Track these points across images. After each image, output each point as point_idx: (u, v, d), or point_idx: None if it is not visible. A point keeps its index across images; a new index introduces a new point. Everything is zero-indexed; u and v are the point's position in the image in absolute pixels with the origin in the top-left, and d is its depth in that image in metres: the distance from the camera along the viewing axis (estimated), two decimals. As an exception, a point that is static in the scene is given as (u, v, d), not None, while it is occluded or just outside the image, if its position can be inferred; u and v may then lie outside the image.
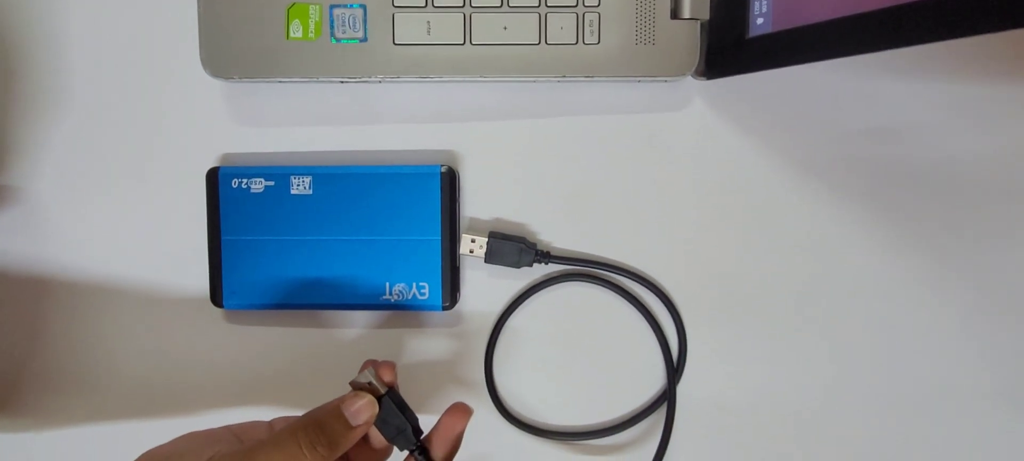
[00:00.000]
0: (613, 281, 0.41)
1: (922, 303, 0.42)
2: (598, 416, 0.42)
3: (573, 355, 0.42)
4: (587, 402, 0.42)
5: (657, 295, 0.41)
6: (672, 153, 0.41)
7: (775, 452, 0.42)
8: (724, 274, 0.42)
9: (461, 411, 0.35)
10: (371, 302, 0.40)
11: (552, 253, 0.41)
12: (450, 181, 0.40)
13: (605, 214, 0.41)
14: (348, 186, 0.40)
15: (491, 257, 0.40)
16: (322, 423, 0.32)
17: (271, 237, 0.40)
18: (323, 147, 0.41)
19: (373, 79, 0.39)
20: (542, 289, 0.41)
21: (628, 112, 0.41)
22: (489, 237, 0.40)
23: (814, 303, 0.42)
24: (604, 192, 0.41)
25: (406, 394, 0.35)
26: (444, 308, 0.40)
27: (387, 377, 0.34)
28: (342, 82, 0.40)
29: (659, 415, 0.42)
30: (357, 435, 0.32)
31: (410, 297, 0.40)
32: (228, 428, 0.35)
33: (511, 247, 0.40)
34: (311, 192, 0.40)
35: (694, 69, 0.39)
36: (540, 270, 0.41)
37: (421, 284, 0.40)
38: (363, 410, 0.33)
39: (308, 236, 0.40)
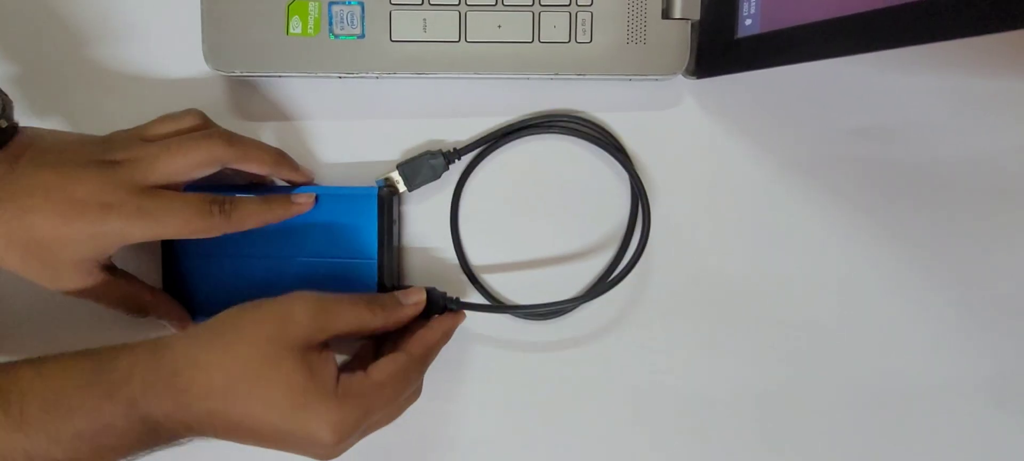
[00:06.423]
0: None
1: (911, 301, 0.42)
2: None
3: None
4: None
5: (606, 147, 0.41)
6: (662, 151, 0.42)
7: (753, 443, 0.43)
8: (712, 270, 0.42)
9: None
10: None
11: (458, 149, 0.41)
12: (388, 202, 0.40)
13: (594, 210, 0.42)
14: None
15: (410, 182, 0.41)
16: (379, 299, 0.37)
17: (218, 248, 0.39)
18: (321, 141, 0.42)
19: (370, 75, 0.40)
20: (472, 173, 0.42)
21: (619, 110, 0.42)
22: (397, 168, 0.41)
23: (801, 300, 0.42)
24: (593, 188, 0.42)
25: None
26: None
27: None
28: (340, 78, 0.41)
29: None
30: (408, 314, 0.37)
31: None
32: None
33: (421, 163, 0.40)
34: None
35: (684, 68, 0.40)
36: (457, 168, 0.42)
37: None
38: (414, 296, 0.38)
39: (251, 252, 0.40)
